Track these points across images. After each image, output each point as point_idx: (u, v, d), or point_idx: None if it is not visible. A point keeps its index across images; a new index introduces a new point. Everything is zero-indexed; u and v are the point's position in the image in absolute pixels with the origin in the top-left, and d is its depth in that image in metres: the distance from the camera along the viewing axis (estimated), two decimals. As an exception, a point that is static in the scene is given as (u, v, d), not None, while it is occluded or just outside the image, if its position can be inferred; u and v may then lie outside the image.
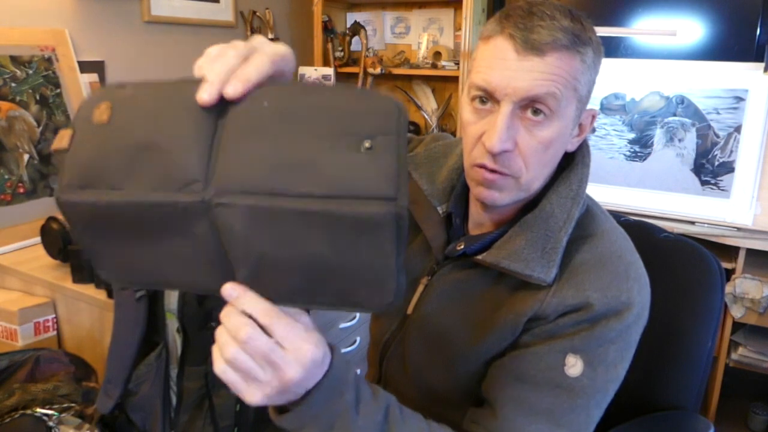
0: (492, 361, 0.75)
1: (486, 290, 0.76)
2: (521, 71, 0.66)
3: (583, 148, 0.78)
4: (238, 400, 1.05)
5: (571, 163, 0.76)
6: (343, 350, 1.76)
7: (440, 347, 0.78)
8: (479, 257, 0.73)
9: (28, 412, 1.13)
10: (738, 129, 1.70)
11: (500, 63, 0.67)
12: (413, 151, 0.89)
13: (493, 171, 0.69)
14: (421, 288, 0.82)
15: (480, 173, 0.70)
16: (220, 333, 0.53)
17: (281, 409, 0.58)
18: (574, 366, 0.68)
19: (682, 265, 0.98)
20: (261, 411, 1.05)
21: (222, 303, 0.55)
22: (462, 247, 0.77)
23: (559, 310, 0.69)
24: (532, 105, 0.67)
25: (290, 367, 0.52)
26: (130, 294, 1.06)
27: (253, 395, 0.53)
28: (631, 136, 1.84)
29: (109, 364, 1.07)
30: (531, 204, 0.74)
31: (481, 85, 0.68)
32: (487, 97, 0.69)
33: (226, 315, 0.52)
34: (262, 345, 0.51)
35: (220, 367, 0.53)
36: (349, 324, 1.80)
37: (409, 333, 0.83)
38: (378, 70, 2.38)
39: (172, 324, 1.05)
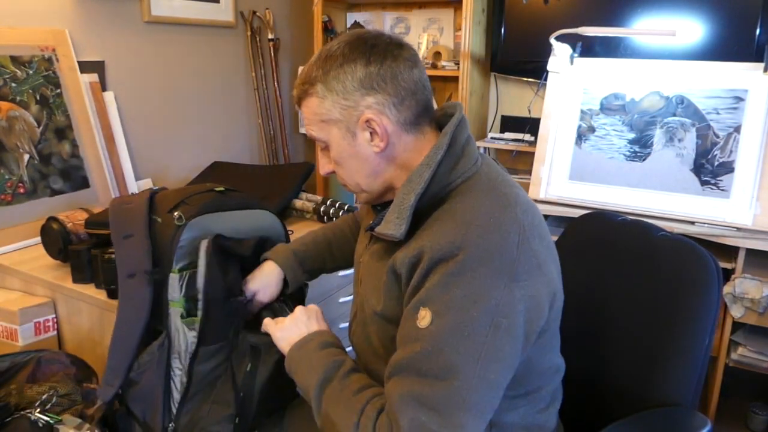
0: (392, 315, 0.86)
1: (383, 258, 0.88)
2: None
3: (451, 120, 0.87)
4: (241, 389, 1.07)
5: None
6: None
7: (368, 317, 0.92)
8: (376, 230, 0.87)
9: (28, 413, 1.14)
10: (738, 129, 1.70)
11: None
12: None
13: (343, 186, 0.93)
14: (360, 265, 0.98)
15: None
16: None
17: None
18: (424, 318, 0.76)
19: (680, 263, 0.99)
20: (263, 401, 1.07)
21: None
22: (371, 222, 0.91)
23: (405, 263, 0.80)
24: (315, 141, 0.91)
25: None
26: (136, 282, 1.07)
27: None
28: (631, 136, 1.84)
29: (112, 352, 1.08)
30: None
31: None
32: None
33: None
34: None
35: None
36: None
37: (358, 308, 0.98)
38: (378, 70, 2.38)
39: (175, 313, 1.06)
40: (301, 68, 0.87)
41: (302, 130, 2.62)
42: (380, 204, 0.97)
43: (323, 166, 0.93)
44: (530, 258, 0.77)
